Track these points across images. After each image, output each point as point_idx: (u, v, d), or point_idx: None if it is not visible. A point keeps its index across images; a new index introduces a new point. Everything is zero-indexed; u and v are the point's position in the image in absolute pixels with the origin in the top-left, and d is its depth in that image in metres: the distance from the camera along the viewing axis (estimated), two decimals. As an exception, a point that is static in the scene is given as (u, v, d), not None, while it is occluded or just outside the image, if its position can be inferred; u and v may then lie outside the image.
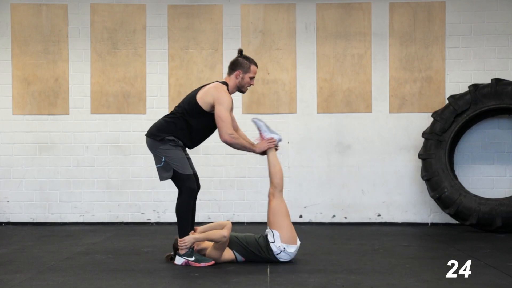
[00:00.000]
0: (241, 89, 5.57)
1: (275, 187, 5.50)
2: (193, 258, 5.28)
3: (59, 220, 8.25)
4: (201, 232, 5.36)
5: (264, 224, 8.15)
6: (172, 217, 7.77)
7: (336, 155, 8.25)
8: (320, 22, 8.26)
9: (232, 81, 5.51)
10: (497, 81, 7.67)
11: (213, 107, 5.36)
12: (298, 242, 5.43)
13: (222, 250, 5.32)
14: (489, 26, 8.16)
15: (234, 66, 5.53)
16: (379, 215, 8.23)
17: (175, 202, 5.40)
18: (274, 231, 5.36)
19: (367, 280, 4.73)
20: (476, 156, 8.15)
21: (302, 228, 7.49)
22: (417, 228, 7.86)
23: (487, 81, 7.92)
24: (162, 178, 5.44)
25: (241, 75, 5.49)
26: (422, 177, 7.79)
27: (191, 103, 5.42)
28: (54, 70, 8.27)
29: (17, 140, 8.25)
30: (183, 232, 5.30)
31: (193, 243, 5.30)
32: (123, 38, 8.27)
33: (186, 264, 5.28)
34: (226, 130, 5.32)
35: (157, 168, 5.43)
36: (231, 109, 5.47)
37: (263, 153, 5.61)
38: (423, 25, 8.20)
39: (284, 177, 8.19)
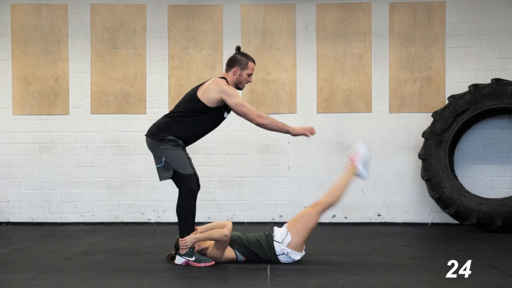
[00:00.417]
0: (238, 85, 5.55)
1: (325, 203, 5.40)
2: (193, 258, 5.28)
3: (59, 220, 8.25)
4: (202, 232, 5.37)
5: (264, 224, 8.19)
6: (172, 217, 7.77)
7: (336, 155, 8.25)
8: (320, 22, 8.26)
9: (230, 77, 5.50)
10: (497, 81, 7.67)
11: (219, 102, 5.34)
12: (304, 252, 5.41)
13: (223, 249, 5.32)
14: (489, 26, 8.16)
15: (231, 63, 5.52)
16: (379, 215, 8.23)
17: (175, 202, 5.40)
18: (288, 233, 5.32)
19: (367, 280, 4.73)
20: (476, 156, 8.15)
21: (302, 228, 7.48)
22: (417, 228, 7.86)
23: (487, 81, 7.92)
24: (162, 178, 5.43)
25: (238, 72, 5.48)
26: (422, 177, 7.79)
27: (192, 101, 5.40)
28: (54, 70, 8.27)
29: (17, 140, 8.26)
30: (184, 232, 5.30)
31: (194, 242, 5.30)
32: (123, 38, 8.27)
33: (186, 264, 5.28)
34: (252, 114, 5.29)
35: (157, 168, 5.42)
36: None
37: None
38: (423, 25, 8.20)
39: (284, 177, 8.29)
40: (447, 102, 7.91)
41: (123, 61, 8.27)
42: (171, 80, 8.26)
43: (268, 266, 5.22)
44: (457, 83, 8.16)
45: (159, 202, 8.23)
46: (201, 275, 4.91)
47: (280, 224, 8.16)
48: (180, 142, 5.40)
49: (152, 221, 8.27)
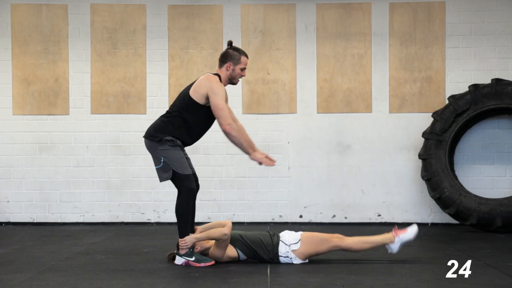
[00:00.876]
0: (232, 80, 5.53)
1: (347, 245, 5.34)
2: (193, 258, 5.28)
3: (59, 220, 8.25)
4: (202, 232, 5.37)
5: (264, 224, 8.20)
6: (172, 217, 7.77)
7: (336, 155, 8.25)
8: (320, 22, 8.26)
9: (223, 73, 5.50)
10: (497, 81, 7.67)
11: (207, 99, 5.32)
12: (307, 261, 5.41)
13: (225, 248, 5.32)
14: (489, 26, 8.16)
15: (224, 58, 5.52)
16: (379, 215, 8.23)
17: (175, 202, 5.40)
18: (300, 241, 5.33)
19: (367, 280, 4.73)
20: (476, 156, 8.15)
21: (302, 228, 7.47)
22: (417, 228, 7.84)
23: (487, 81, 7.92)
24: (162, 179, 5.43)
25: (231, 67, 5.48)
26: (422, 177, 7.79)
27: (185, 100, 5.39)
28: (54, 70, 8.27)
29: (17, 140, 8.25)
30: (183, 232, 5.29)
31: (194, 242, 5.30)
32: (123, 38, 8.27)
33: (186, 264, 5.28)
34: (225, 120, 5.24)
35: (157, 169, 5.42)
36: (226, 100, 5.43)
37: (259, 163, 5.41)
38: (423, 25, 8.20)
39: (284, 177, 8.29)
40: (447, 102, 7.91)
41: (123, 61, 8.27)
42: (171, 80, 8.26)
43: (268, 266, 5.22)
44: (457, 83, 8.16)
45: (159, 202, 8.23)
46: (201, 275, 4.91)
47: (280, 224, 8.21)
48: (178, 142, 5.39)
49: (152, 221, 8.27)
